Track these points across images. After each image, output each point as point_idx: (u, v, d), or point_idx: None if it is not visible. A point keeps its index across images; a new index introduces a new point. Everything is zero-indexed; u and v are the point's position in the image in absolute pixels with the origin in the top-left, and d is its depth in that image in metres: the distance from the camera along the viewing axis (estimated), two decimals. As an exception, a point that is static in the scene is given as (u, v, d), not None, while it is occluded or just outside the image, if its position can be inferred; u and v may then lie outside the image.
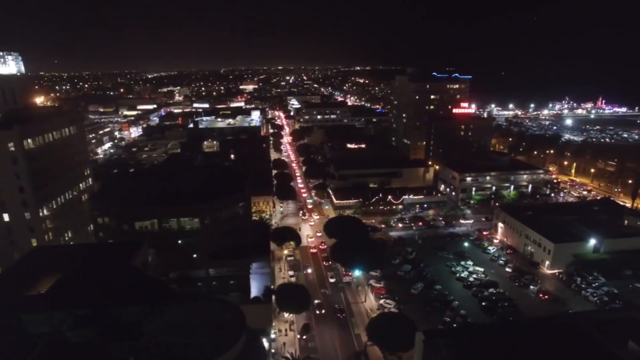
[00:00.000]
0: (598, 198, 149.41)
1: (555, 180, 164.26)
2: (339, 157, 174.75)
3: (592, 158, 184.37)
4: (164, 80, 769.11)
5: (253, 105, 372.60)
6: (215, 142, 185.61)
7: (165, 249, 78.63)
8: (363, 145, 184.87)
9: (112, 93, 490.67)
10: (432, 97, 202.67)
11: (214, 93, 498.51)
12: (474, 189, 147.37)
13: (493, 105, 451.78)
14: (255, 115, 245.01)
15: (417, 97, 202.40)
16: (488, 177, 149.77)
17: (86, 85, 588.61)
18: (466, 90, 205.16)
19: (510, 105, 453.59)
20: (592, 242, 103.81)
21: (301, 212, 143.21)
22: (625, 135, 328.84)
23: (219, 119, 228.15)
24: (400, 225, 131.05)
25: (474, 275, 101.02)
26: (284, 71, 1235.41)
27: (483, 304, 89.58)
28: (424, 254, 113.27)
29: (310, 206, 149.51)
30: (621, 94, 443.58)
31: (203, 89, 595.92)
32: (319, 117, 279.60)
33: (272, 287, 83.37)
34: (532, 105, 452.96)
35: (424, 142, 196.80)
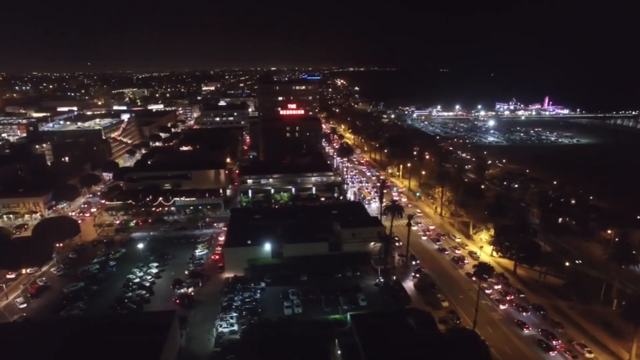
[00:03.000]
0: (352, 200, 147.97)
1: (343, 182, 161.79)
2: (163, 159, 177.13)
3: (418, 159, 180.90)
4: (149, 80, 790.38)
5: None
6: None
7: None
8: (190, 148, 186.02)
9: (71, 94, 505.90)
10: (280, 98, 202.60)
11: (167, 95, 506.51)
12: (250, 191, 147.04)
13: (439, 107, 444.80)
14: (126, 117, 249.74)
15: (265, 98, 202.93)
16: (270, 180, 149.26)
17: (50, 86, 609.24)
18: (315, 90, 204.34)
19: (457, 107, 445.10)
20: (268, 246, 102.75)
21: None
22: (543, 137, 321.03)
23: (68, 122, 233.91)
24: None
25: (146, 277, 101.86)
26: (278, 72, 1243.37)
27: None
28: (138, 255, 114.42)
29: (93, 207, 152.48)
30: (567, 95, 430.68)
31: (170, 89, 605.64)
32: (217, 119, 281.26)
33: None
34: (479, 106, 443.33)
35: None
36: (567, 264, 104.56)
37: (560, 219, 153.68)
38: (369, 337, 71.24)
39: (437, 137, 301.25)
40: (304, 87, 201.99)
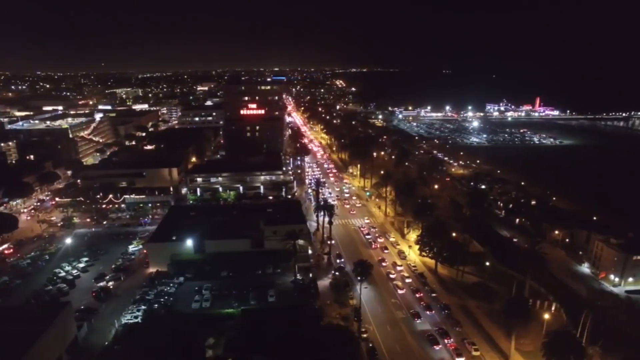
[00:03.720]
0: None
1: (293, 181, 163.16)
2: (125, 157, 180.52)
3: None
4: (148, 80, 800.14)
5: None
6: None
7: None
8: (153, 147, 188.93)
9: (66, 94, 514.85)
10: (245, 98, 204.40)
11: (160, 94, 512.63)
12: (198, 189, 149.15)
13: (428, 107, 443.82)
14: (99, 116, 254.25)
15: (231, 98, 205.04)
16: (220, 178, 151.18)
17: (47, 86, 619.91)
18: (279, 90, 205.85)
19: (447, 107, 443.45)
20: (190, 242, 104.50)
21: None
22: (527, 138, 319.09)
23: (37, 121, 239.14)
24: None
25: (72, 272, 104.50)
26: (280, 72, 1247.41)
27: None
28: (74, 250, 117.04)
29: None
30: (560, 96, 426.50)
31: (166, 89, 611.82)
32: (196, 119, 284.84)
33: None
34: (469, 107, 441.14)
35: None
36: (487, 263, 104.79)
37: (517, 219, 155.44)
38: (253, 331, 72.83)
39: (417, 138, 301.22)
40: (269, 88, 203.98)
